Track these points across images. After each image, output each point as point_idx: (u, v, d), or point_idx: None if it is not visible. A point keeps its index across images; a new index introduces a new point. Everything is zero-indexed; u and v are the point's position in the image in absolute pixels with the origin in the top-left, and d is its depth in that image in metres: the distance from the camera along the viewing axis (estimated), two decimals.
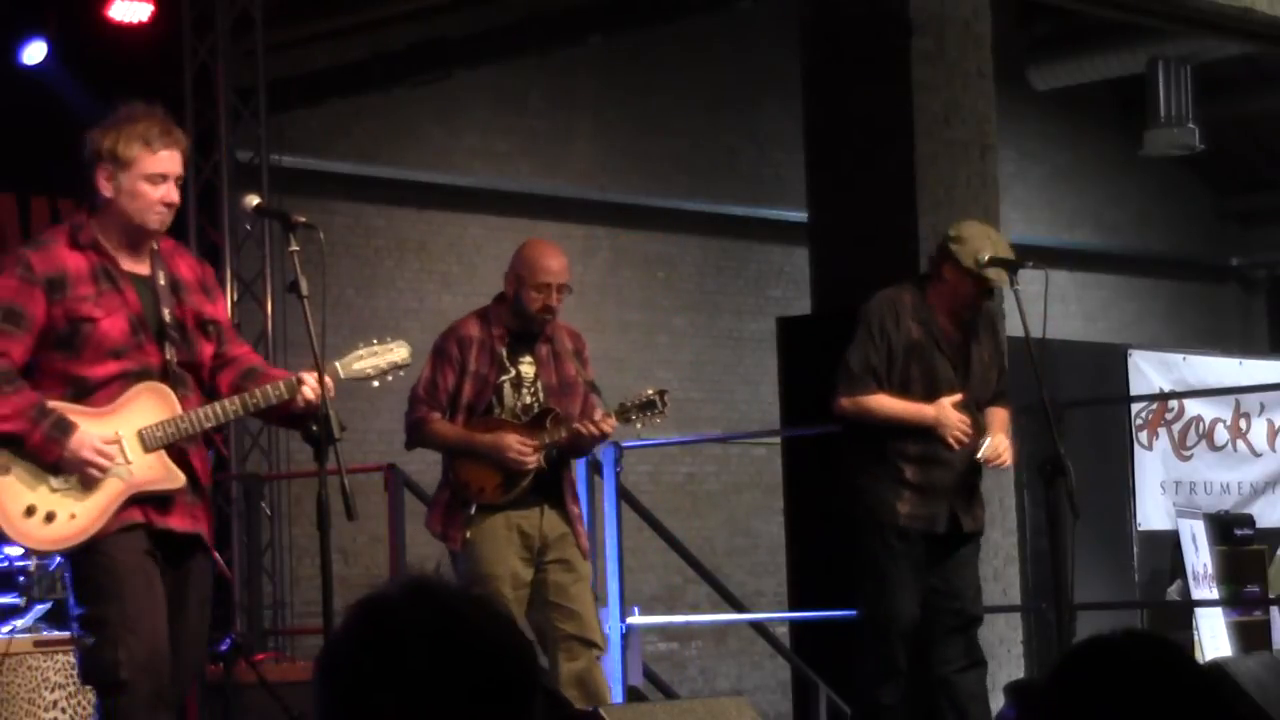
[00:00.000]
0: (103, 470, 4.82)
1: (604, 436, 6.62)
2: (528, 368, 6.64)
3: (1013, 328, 8.27)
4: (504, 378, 6.60)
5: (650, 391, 6.67)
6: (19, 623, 6.99)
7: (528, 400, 6.61)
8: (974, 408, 6.66)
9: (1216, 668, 5.90)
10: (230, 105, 10.34)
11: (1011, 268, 6.62)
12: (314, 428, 4.92)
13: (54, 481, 4.82)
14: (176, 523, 4.95)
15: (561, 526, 6.60)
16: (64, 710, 6.63)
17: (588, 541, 6.75)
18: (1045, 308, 6.30)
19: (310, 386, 4.96)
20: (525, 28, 11.66)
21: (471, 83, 12.81)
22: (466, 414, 6.57)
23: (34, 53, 9.78)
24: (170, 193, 4.93)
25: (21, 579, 7.18)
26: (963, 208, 9.24)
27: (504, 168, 13.55)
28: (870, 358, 6.59)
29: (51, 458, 4.79)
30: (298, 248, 5.02)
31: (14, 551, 7.22)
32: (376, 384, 5.22)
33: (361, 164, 12.77)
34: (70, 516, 4.82)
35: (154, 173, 4.90)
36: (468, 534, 6.51)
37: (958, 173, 9.26)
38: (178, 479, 4.96)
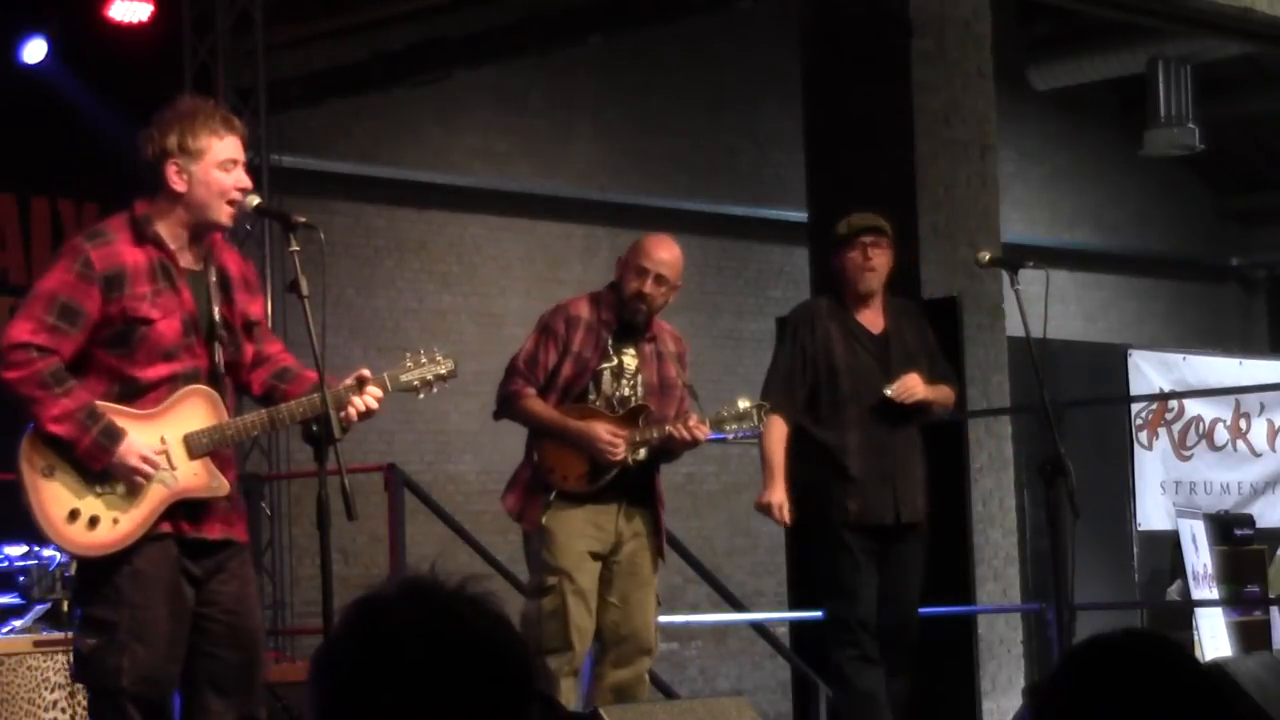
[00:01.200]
0: (148, 478, 4.78)
1: (695, 443, 6.46)
2: (630, 360, 6.51)
3: (1013, 328, 8.28)
4: (605, 365, 6.46)
5: (747, 403, 6.55)
6: (19, 623, 6.99)
7: (625, 392, 6.48)
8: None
9: (1217, 668, 5.90)
10: (230, 105, 10.33)
11: (1012, 267, 6.68)
12: (314, 428, 4.90)
13: (98, 487, 4.77)
14: (210, 531, 4.91)
15: (639, 527, 6.50)
16: (64, 710, 6.63)
17: (665, 546, 6.61)
18: (1045, 308, 6.31)
19: (362, 400, 4.95)
20: (525, 28, 11.66)
21: (471, 83, 12.81)
22: (561, 395, 6.44)
23: (34, 52, 9.78)
24: (242, 178, 4.91)
25: (21, 579, 7.17)
26: (963, 207, 9.24)
27: (504, 168, 13.55)
28: (780, 373, 6.86)
29: (99, 465, 4.74)
30: (298, 248, 5.00)
31: (14, 551, 7.22)
32: (422, 396, 5.22)
33: (361, 164, 12.76)
34: (113, 522, 4.77)
35: (225, 159, 4.88)
36: (543, 519, 6.40)
37: (958, 173, 9.26)
38: (222, 486, 4.93)
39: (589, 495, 6.42)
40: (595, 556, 6.43)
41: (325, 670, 2.11)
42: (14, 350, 4.73)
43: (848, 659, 6.70)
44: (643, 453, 6.47)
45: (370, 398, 4.98)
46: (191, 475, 4.87)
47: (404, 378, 5.15)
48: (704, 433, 6.41)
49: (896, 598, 6.76)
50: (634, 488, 6.50)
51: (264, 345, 5.10)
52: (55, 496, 4.76)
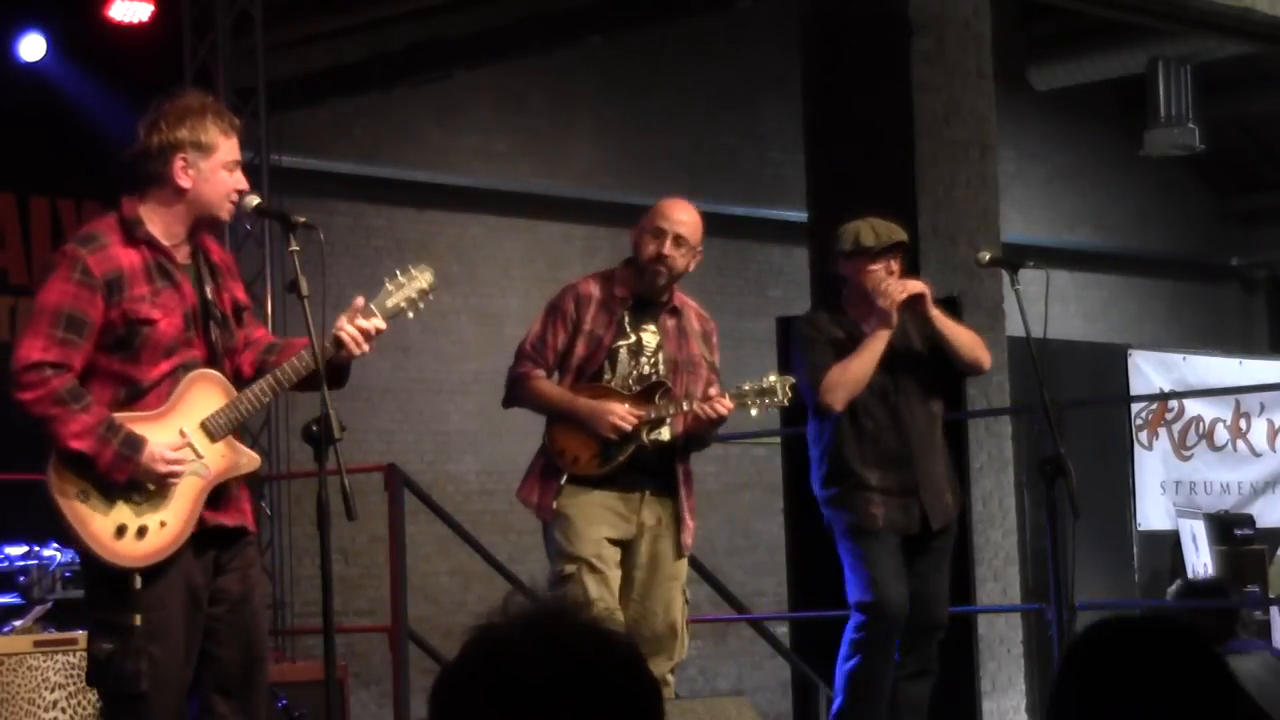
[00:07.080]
0: (179, 476, 4.75)
1: (720, 419, 6.06)
2: (650, 336, 6.15)
3: (1013, 328, 8.27)
4: (621, 342, 6.11)
5: (772, 378, 6.23)
6: (19, 623, 6.99)
7: (645, 370, 6.13)
8: (902, 392, 6.60)
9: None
10: (230, 105, 10.30)
11: (1012, 267, 6.65)
12: (314, 427, 4.88)
13: (134, 496, 4.73)
14: (227, 518, 4.89)
15: (663, 517, 6.13)
16: (64, 710, 6.63)
17: (691, 539, 6.19)
18: (1045, 308, 6.29)
19: (348, 333, 4.91)
20: (525, 28, 11.67)
21: (471, 83, 12.82)
22: (575, 375, 6.10)
23: (33, 50, 9.78)
24: (241, 179, 4.90)
25: (21, 579, 7.18)
26: (963, 208, 9.25)
27: (504, 168, 13.55)
28: (818, 363, 6.50)
29: (123, 476, 4.70)
30: (298, 248, 4.99)
31: (14, 551, 7.22)
32: (411, 315, 5.12)
33: (361, 164, 12.77)
34: (160, 525, 4.74)
35: (230, 159, 4.86)
36: (557, 505, 6.04)
37: (958, 173, 9.26)
38: (252, 460, 4.91)
39: (605, 478, 6.06)
40: (615, 543, 6.05)
41: (441, 703, 2.04)
42: (28, 371, 4.70)
43: (871, 666, 6.42)
44: (665, 433, 6.14)
45: (362, 326, 4.92)
46: (219, 458, 4.84)
47: (389, 303, 5.07)
48: (726, 406, 6.04)
49: (925, 601, 6.59)
50: (658, 473, 6.12)
51: (251, 330, 5.09)
52: (97, 518, 4.71)
